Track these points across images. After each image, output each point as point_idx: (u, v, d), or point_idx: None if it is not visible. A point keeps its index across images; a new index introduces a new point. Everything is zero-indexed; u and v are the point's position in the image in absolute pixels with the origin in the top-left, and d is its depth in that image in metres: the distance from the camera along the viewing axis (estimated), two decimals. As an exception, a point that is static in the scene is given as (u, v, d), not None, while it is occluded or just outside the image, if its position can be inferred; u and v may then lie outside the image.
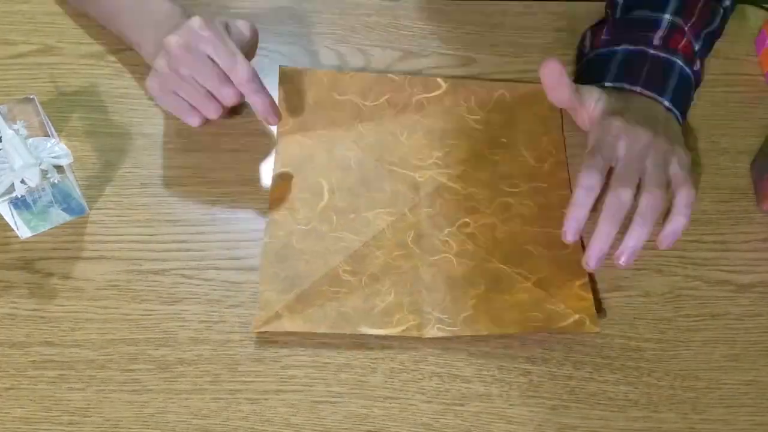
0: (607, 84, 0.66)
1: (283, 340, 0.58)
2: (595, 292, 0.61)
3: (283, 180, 0.65)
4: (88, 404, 0.55)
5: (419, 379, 0.57)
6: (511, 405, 0.56)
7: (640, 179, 0.58)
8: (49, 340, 0.58)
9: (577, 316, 0.59)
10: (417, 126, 0.69)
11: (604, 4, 0.74)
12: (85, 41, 0.73)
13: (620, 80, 0.66)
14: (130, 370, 0.57)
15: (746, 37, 0.78)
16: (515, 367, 0.58)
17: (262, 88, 0.61)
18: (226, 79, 0.61)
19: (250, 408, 0.55)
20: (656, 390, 0.57)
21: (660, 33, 0.67)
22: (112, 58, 0.73)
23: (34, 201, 0.59)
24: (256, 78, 0.61)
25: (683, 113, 0.66)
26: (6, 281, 0.60)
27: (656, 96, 0.65)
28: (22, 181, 0.56)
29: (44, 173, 0.57)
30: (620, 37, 0.68)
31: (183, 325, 0.59)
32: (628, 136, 0.60)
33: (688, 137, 0.70)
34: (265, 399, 0.56)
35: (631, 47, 0.67)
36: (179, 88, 0.62)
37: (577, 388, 0.57)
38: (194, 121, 0.64)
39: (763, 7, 0.80)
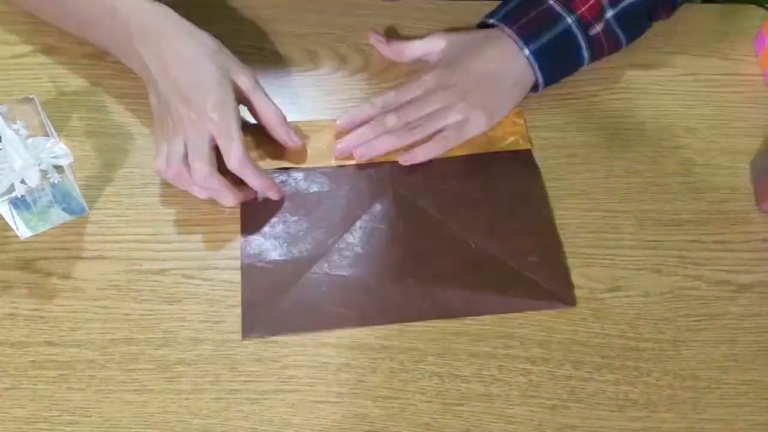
0: (490, 21, 0.70)
1: (283, 340, 0.58)
2: (565, 269, 0.62)
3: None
4: (88, 404, 0.55)
5: (419, 379, 0.57)
6: (511, 405, 0.56)
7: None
8: (49, 340, 0.58)
9: (512, 138, 0.68)
10: None
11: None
12: (85, 41, 0.73)
13: (503, 20, 0.69)
14: (131, 370, 0.57)
15: (746, 37, 0.78)
16: (515, 367, 0.58)
17: (256, 172, 0.62)
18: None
19: (250, 408, 0.55)
20: (656, 390, 0.57)
21: None
22: (112, 58, 0.72)
23: (34, 201, 0.59)
24: (246, 162, 0.61)
25: (550, 72, 0.69)
26: (6, 281, 0.60)
27: (519, 41, 0.68)
28: (22, 181, 0.56)
29: (44, 173, 0.57)
30: None
31: (183, 325, 0.59)
32: (430, 86, 0.68)
33: (688, 137, 0.70)
34: (265, 399, 0.56)
35: None
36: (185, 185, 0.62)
37: (577, 388, 0.57)
38: (230, 201, 0.63)
39: (763, 7, 0.80)
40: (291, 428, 0.55)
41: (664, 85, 0.74)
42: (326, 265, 0.61)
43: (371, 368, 0.57)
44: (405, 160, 0.66)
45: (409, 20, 0.78)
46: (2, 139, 0.56)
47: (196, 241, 0.63)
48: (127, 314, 0.59)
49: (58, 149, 0.57)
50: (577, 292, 0.61)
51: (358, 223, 0.63)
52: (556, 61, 0.70)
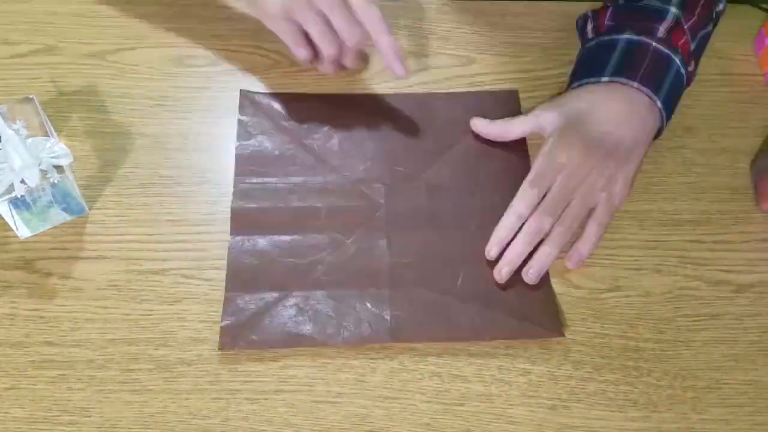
0: (603, 79, 0.65)
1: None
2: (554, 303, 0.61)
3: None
4: (88, 404, 0.55)
5: (419, 379, 0.57)
6: (511, 405, 0.56)
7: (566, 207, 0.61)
8: (49, 340, 0.58)
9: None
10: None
11: (603, 4, 0.74)
12: (85, 41, 0.74)
13: (619, 74, 0.65)
14: (130, 370, 0.57)
15: (746, 37, 0.78)
16: (515, 367, 0.58)
17: (391, 33, 0.63)
18: (355, 19, 0.63)
19: (250, 408, 0.55)
20: (656, 390, 0.57)
21: (665, 25, 0.66)
22: (112, 58, 0.73)
23: (34, 201, 0.59)
24: (385, 21, 0.62)
25: (669, 115, 0.66)
26: (5, 281, 0.60)
27: (651, 94, 0.64)
28: (22, 181, 0.56)
29: (44, 173, 0.57)
30: (624, 24, 0.67)
31: (183, 325, 0.59)
32: (568, 169, 0.62)
33: (688, 137, 0.70)
34: (265, 399, 0.56)
35: (635, 37, 0.66)
36: (304, 17, 0.63)
37: (577, 388, 0.57)
38: (302, 54, 0.66)
39: (762, 8, 0.80)
40: (291, 428, 0.55)
41: (664, 85, 0.74)
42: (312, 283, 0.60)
43: (371, 368, 0.57)
44: (575, 263, 0.61)
45: (409, 20, 0.78)
46: (2, 139, 0.56)
47: (196, 241, 0.63)
48: (126, 314, 0.59)
49: (58, 149, 0.57)
50: (577, 292, 0.61)
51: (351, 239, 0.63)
52: (674, 104, 0.67)
